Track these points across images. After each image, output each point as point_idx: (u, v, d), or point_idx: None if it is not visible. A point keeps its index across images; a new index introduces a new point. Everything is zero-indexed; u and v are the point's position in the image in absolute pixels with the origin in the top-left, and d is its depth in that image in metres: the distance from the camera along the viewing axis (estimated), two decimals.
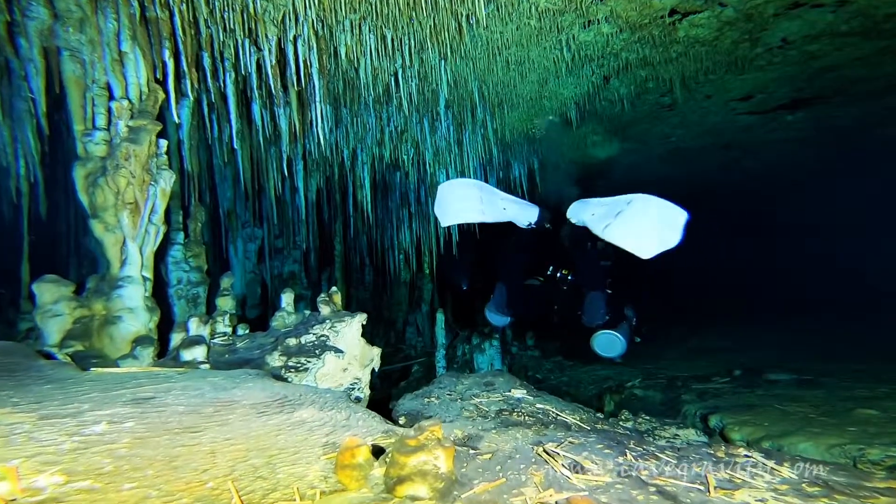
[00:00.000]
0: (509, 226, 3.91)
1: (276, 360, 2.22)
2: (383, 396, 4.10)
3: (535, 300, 4.11)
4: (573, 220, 3.59)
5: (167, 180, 2.74)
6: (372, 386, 5.46)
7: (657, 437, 2.31)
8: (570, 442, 1.62)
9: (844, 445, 2.27)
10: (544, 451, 1.55)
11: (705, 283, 15.49)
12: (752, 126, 6.36)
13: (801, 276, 15.15)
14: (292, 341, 2.31)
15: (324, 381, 2.39)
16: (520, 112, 5.65)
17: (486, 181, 6.87)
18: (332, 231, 6.69)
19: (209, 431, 1.25)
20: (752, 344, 7.50)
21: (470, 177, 6.19)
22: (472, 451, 1.52)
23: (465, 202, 3.41)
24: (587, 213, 3.34)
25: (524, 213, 3.74)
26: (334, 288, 2.78)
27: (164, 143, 2.79)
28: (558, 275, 4.16)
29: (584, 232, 3.70)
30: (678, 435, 2.35)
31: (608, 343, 3.78)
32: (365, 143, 5.61)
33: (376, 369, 2.77)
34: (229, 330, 2.62)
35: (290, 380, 2.17)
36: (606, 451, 1.56)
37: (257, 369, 2.08)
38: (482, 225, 6.88)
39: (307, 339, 2.36)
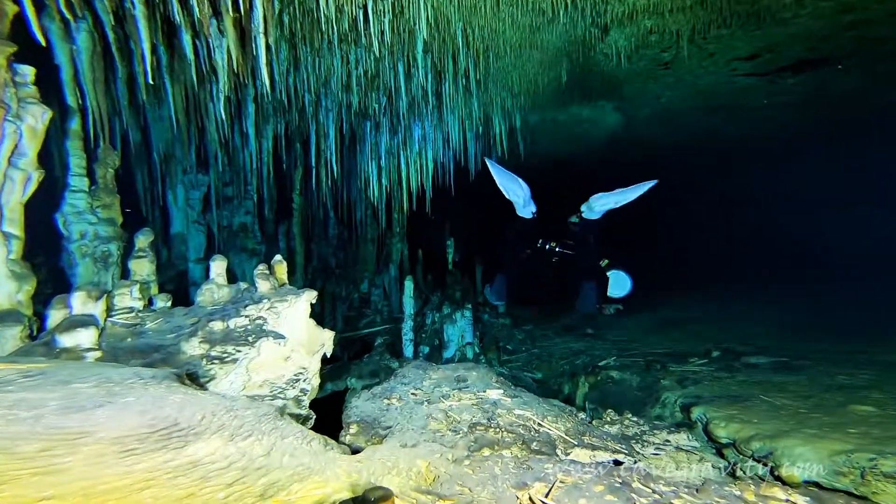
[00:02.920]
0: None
1: (194, 347, 1.78)
2: (334, 392, 3.73)
3: (531, 279, 5.07)
4: (585, 214, 4.42)
5: (37, 116, 2.14)
6: (333, 356, 5.08)
7: (646, 444, 2.04)
8: (561, 482, 1.29)
9: (851, 453, 2.05)
10: (531, 500, 1.22)
11: (675, 251, 15.66)
12: (747, 89, 6.06)
13: (765, 247, 15.49)
14: (217, 325, 1.86)
15: (260, 372, 1.98)
16: (505, 63, 5.10)
17: (465, 137, 6.39)
18: (292, 181, 6.07)
19: (14, 486, 0.80)
20: (720, 315, 7.52)
21: (449, 132, 6.00)
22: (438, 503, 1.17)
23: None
24: (598, 203, 4.35)
25: (527, 206, 4.56)
26: (278, 257, 2.31)
27: (27, 69, 2.17)
28: (547, 246, 4.67)
29: (592, 225, 4.68)
30: (669, 440, 2.10)
31: (621, 281, 4.62)
32: (329, 89, 4.94)
33: (328, 354, 2.38)
34: (139, 304, 2.12)
35: (212, 374, 1.74)
36: (609, 497, 1.25)
37: (166, 362, 1.65)
38: (458, 187, 6.77)
39: (238, 322, 1.92)
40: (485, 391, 2.02)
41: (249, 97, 4.41)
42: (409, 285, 4.59)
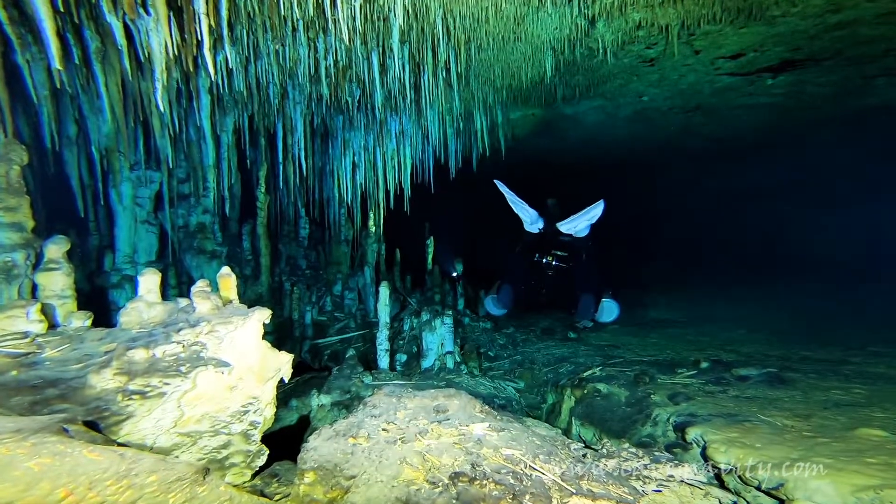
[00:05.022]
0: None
1: (107, 380, 1.44)
2: (299, 421, 3.40)
3: (529, 288, 5.34)
4: (563, 230, 5.06)
5: None
6: (303, 367, 4.68)
7: (648, 480, 1.81)
8: None
9: (879, 489, 1.84)
10: None
11: (652, 249, 15.73)
12: (728, 89, 6.02)
13: (742, 246, 15.73)
14: (139, 355, 1.53)
15: (197, 406, 1.65)
16: (488, 55, 4.86)
17: (445, 133, 6.15)
18: (257, 178, 5.67)
19: None
20: (699, 316, 7.49)
21: (428, 127, 5.91)
22: None
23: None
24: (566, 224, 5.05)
25: (535, 222, 5.13)
26: (225, 270, 1.97)
27: None
28: (544, 260, 5.13)
29: (583, 242, 5.18)
30: (673, 476, 1.87)
31: (610, 309, 5.15)
32: (296, 80, 4.57)
33: (286, 379, 2.06)
34: (39, 328, 1.75)
35: (129, 411, 1.41)
36: None
37: (65, 399, 1.32)
38: (438, 183, 6.73)
39: (168, 350, 1.58)
40: (468, 425, 1.75)
41: (203, 87, 4.00)
42: (384, 292, 4.28)
